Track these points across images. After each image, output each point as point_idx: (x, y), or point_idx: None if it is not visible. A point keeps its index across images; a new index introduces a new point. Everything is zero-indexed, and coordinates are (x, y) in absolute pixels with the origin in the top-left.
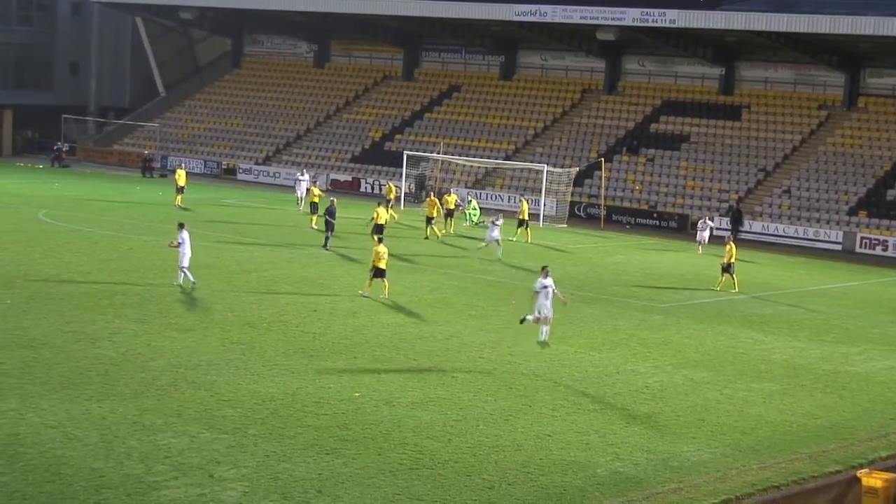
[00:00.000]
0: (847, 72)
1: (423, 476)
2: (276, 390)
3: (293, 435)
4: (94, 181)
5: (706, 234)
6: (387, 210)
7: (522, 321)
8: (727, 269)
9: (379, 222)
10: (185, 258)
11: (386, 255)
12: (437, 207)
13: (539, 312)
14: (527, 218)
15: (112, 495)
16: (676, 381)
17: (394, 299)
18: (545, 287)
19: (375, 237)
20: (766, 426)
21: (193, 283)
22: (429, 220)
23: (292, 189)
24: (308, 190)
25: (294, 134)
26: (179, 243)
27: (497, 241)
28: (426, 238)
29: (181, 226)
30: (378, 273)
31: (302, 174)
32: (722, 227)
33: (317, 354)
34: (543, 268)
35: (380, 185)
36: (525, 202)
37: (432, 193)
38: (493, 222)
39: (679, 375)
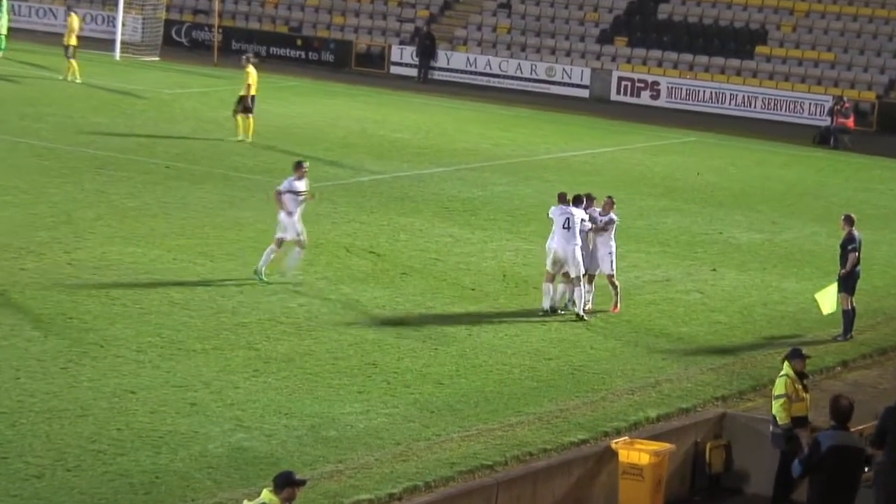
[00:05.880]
0: None
1: None
2: None
3: None
4: None
5: None
6: None
7: None
8: (245, 105)
9: None
10: None
11: None
12: None
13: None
14: (76, 44)
15: None
16: (335, 302)
17: None
18: None
19: None
20: (472, 373)
21: None
22: None
23: None
24: None
25: None
26: None
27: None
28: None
29: None
30: None
31: None
32: (410, 61)
33: None
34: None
35: None
36: (76, 18)
37: None
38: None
39: (337, 293)
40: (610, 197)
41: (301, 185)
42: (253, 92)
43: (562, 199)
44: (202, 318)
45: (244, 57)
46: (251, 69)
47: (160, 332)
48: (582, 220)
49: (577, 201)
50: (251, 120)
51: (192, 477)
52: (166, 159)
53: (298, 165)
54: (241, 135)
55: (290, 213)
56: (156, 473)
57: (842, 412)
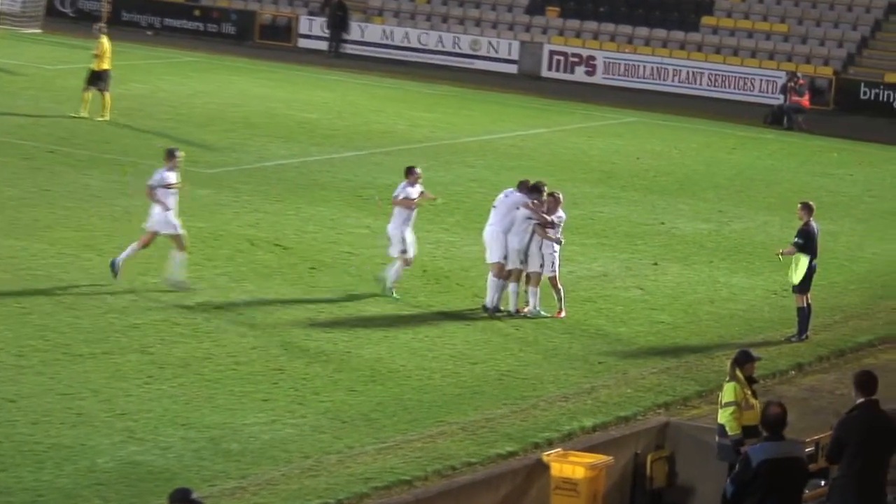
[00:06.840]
0: None
1: None
2: None
3: None
4: None
5: None
6: None
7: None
8: (97, 80)
9: None
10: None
11: None
12: None
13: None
14: None
15: None
16: (236, 301)
17: None
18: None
19: None
20: (388, 379)
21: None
22: None
23: None
24: None
25: None
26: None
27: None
28: None
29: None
30: None
31: None
32: (320, 34)
33: None
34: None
35: None
36: None
37: None
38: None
39: (239, 291)
40: (553, 193)
41: (415, 192)
42: (106, 66)
43: (519, 186)
44: (90, 318)
45: (96, 27)
46: (104, 40)
47: (43, 335)
48: (521, 207)
49: (532, 189)
50: (107, 97)
51: (78, 494)
52: (49, 143)
53: (411, 171)
54: (84, 112)
55: (405, 222)
56: (38, 491)
57: (773, 420)
